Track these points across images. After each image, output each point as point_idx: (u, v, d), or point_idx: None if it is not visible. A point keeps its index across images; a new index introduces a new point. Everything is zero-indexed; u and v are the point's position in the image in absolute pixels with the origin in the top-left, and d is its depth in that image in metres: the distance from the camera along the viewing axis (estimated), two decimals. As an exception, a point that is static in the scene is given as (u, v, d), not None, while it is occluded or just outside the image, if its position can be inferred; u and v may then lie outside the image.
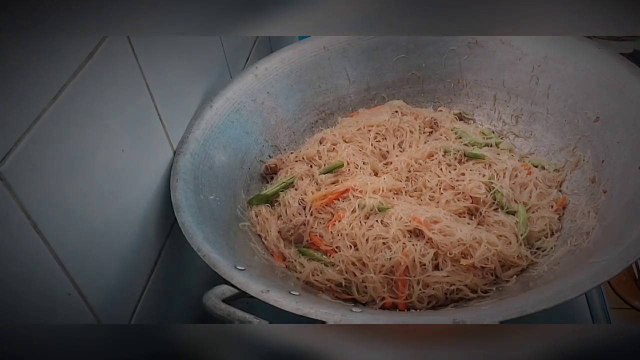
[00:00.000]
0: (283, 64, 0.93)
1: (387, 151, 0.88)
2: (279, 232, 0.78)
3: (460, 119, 0.94)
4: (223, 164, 0.81)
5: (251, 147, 0.87)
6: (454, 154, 0.83)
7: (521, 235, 0.73)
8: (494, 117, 0.94)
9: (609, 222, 0.67)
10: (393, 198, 0.79)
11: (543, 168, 0.84)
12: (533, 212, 0.77)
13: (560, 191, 0.81)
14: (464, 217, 0.76)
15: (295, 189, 0.83)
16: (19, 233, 0.47)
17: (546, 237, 0.75)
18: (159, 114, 0.70)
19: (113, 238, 0.61)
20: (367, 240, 0.71)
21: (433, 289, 0.68)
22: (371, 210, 0.75)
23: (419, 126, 0.90)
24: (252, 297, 0.58)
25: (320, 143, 0.89)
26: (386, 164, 0.86)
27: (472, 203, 0.77)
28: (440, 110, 0.95)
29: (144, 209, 0.67)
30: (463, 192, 0.77)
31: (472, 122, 0.95)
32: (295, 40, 0.99)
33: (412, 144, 0.88)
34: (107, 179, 0.59)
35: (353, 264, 0.71)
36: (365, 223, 0.74)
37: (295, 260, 0.75)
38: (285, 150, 0.93)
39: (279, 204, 0.82)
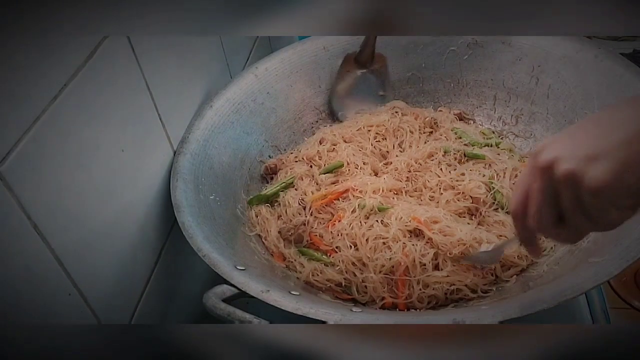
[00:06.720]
0: (283, 64, 0.93)
1: (387, 151, 0.88)
2: (279, 232, 0.78)
3: (460, 119, 0.93)
4: (223, 164, 0.81)
5: (251, 147, 0.87)
6: (454, 154, 0.83)
7: (521, 235, 0.73)
8: (494, 117, 0.94)
9: (609, 222, 0.67)
10: (393, 198, 0.79)
11: (543, 168, 0.84)
12: (533, 212, 0.77)
13: (560, 191, 0.81)
14: (464, 217, 0.76)
15: (295, 189, 0.83)
16: (19, 233, 0.47)
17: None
18: (159, 114, 0.70)
19: (113, 238, 0.61)
20: (367, 240, 0.71)
21: (433, 289, 0.68)
22: (371, 210, 0.75)
23: (419, 126, 0.90)
24: (252, 297, 0.58)
25: (320, 143, 0.89)
26: (386, 164, 0.86)
27: (472, 203, 0.77)
28: (440, 110, 0.95)
29: (144, 209, 0.67)
30: (463, 192, 0.77)
31: (472, 122, 0.95)
32: (295, 40, 0.99)
33: (412, 144, 0.88)
34: (107, 179, 0.59)
35: (353, 264, 0.71)
36: (365, 223, 0.74)
37: (295, 260, 0.75)
38: (285, 150, 0.93)
39: (279, 204, 0.82)
